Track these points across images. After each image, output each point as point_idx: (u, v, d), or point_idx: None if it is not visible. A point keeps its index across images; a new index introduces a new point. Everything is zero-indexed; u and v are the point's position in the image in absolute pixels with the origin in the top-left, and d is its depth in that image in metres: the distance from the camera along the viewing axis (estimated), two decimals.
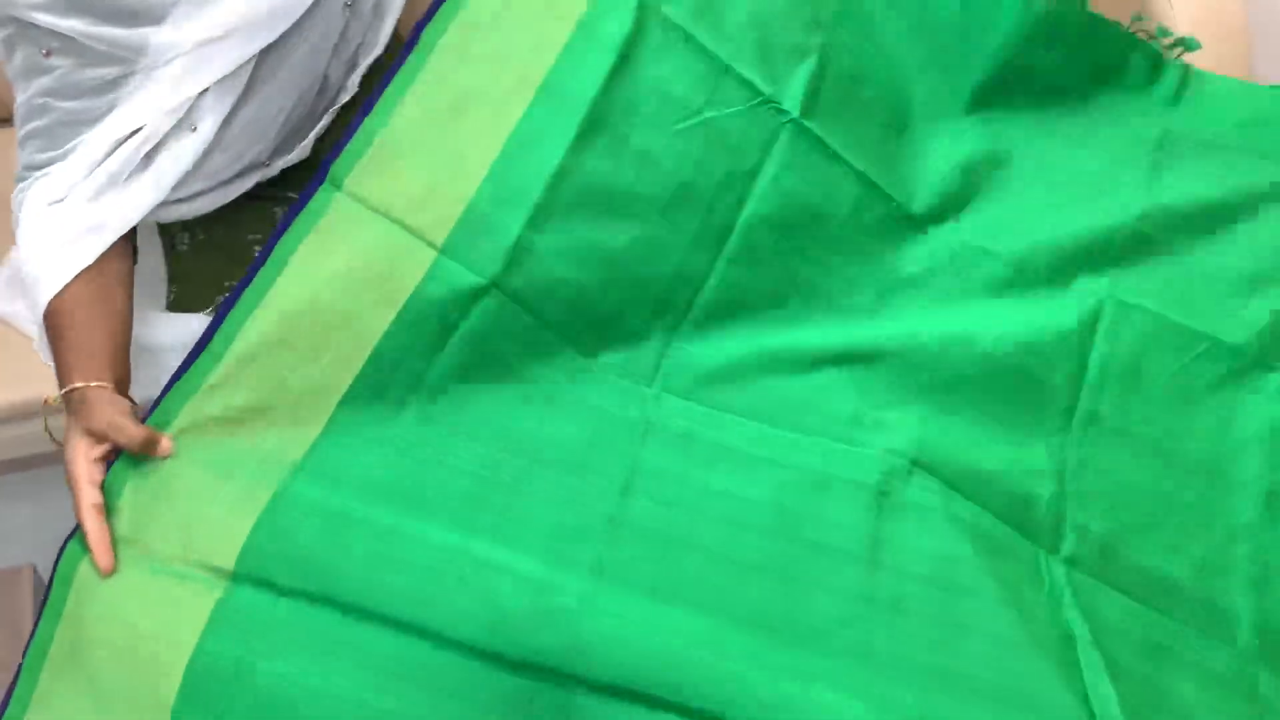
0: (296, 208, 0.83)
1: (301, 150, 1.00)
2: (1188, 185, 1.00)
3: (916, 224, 0.99)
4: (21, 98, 0.87)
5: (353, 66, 1.00)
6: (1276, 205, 1.00)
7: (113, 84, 0.86)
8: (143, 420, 0.80)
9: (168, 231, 1.02)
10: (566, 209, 0.88)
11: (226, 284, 1.00)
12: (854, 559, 0.81)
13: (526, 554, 0.78)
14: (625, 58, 0.91)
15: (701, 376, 0.91)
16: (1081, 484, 0.90)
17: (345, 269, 0.83)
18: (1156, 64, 1.05)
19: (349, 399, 0.82)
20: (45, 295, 0.84)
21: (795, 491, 0.85)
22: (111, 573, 0.74)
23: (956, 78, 1.03)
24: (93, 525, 0.75)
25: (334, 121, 1.02)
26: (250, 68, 0.91)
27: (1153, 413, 0.93)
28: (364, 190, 0.84)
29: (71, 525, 0.76)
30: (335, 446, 0.81)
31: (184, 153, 0.90)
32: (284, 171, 1.01)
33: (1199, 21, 1.12)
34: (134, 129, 0.87)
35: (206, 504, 0.77)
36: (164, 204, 0.91)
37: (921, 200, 0.99)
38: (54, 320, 0.84)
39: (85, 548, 0.75)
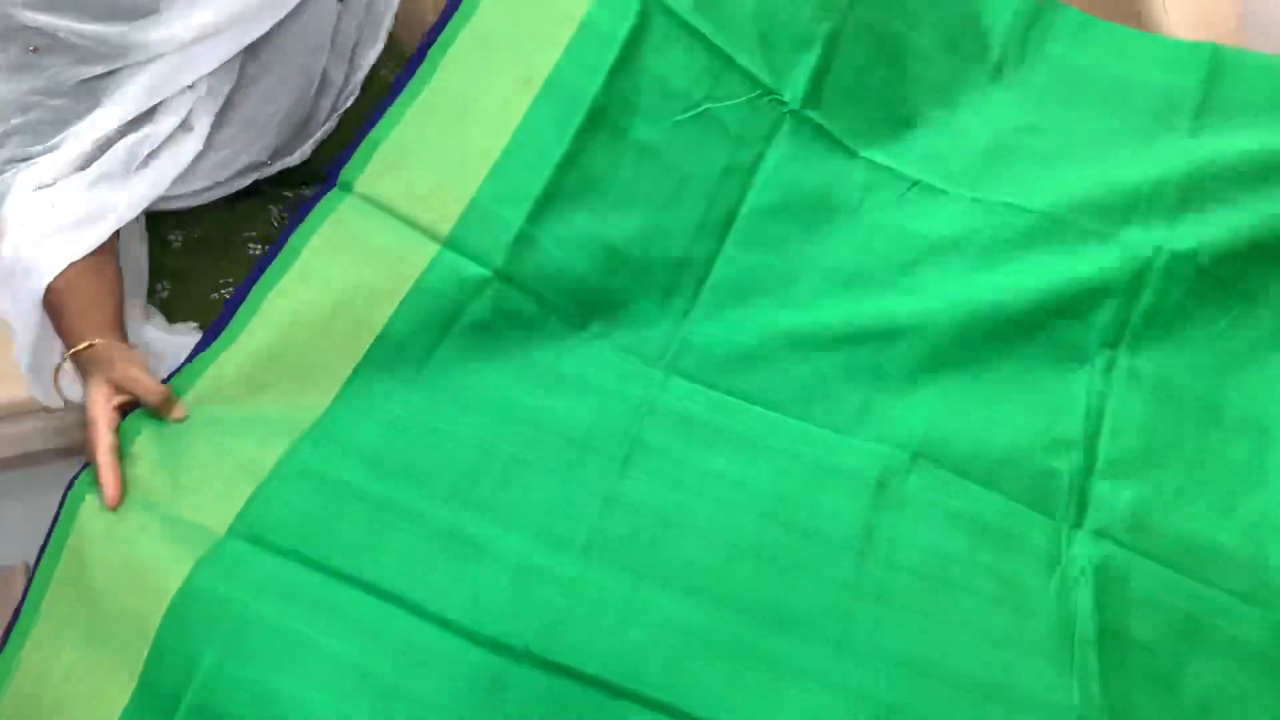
0: (307, 206, 0.87)
1: (303, 153, 1.00)
2: (1230, 147, 0.98)
3: (938, 196, 0.98)
4: (7, 94, 0.87)
5: (354, 66, 1.00)
6: None
7: (101, 80, 0.86)
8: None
9: (160, 229, 1.02)
10: (568, 202, 0.91)
11: (220, 281, 0.99)
12: (846, 549, 0.81)
13: (519, 530, 0.80)
14: (627, 53, 0.94)
15: (710, 360, 0.91)
16: (1116, 450, 0.88)
17: (354, 260, 0.86)
18: (1183, 44, 1.05)
19: (356, 375, 0.85)
20: (44, 279, 0.86)
21: (794, 480, 0.85)
22: (117, 507, 0.77)
23: (976, 55, 1.04)
24: (105, 461, 0.78)
25: (337, 125, 1.02)
26: (240, 64, 0.91)
27: (1199, 367, 0.92)
28: (372, 190, 0.88)
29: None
30: (340, 419, 0.83)
31: (182, 153, 0.90)
32: (282, 171, 1.01)
33: (1192, 23, 1.13)
34: (122, 123, 0.87)
35: (213, 462, 0.80)
36: (162, 197, 0.92)
37: (948, 169, 0.99)
38: (55, 297, 0.86)
39: (94, 482, 0.78)
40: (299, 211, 0.88)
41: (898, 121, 1.02)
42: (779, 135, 0.98)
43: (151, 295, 1.02)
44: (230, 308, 0.85)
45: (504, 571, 0.77)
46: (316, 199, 0.88)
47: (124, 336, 0.89)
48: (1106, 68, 1.04)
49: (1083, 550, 0.84)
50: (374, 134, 0.89)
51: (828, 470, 0.85)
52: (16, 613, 0.76)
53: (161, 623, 0.73)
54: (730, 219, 0.96)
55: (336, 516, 0.78)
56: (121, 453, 0.80)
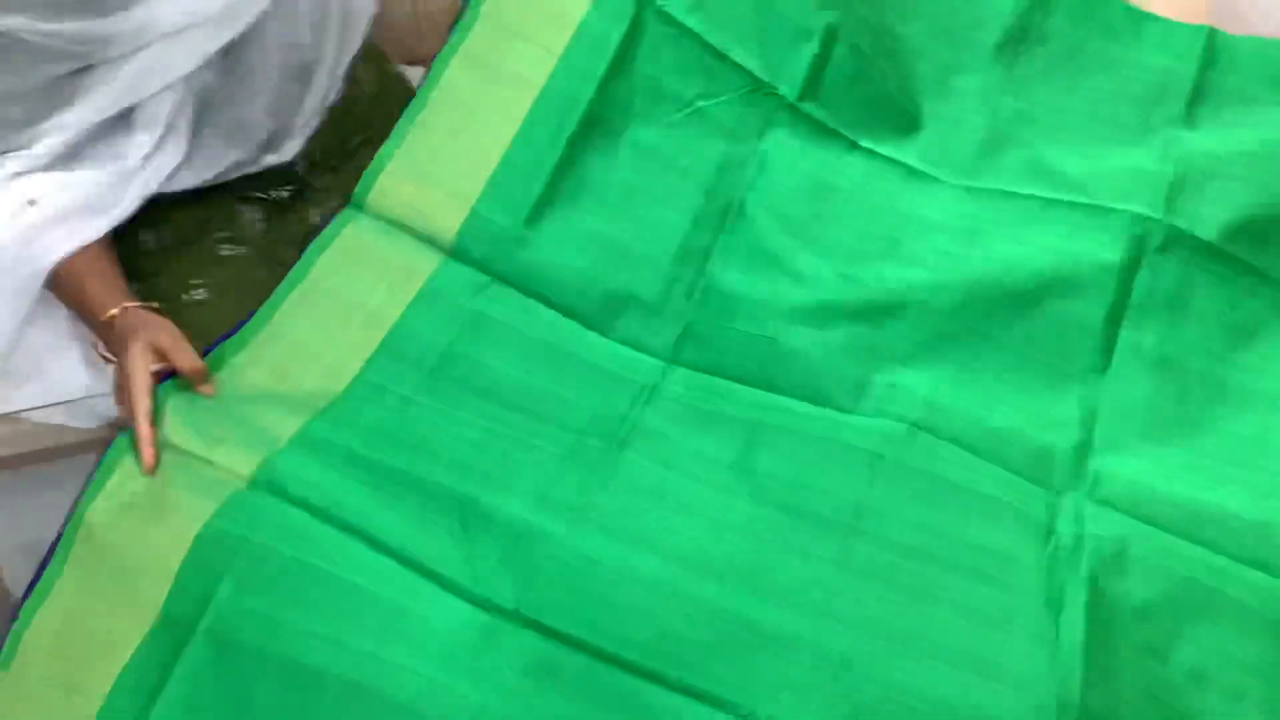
0: (320, 225, 0.93)
1: (291, 148, 1.00)
2: (1226, 129, 1.00)
3: (935, 184, 1.00)
4: None
5: (337, 62, 1.00)
6: None
7: (72, 78, 0.84)
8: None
9: (132, 230, 1.01)
10: (565, 205, 0.96)
11: (191, 282, 0.99)
12: (836, 527, 0.83)
13: (516, 499, 0.83)
14: (622, 56, 0.98)
15: (711, 346, 0.94)
16: (1117, 425, 0.89)
17: (366, 269, 0.92)
18: (1181, 27, 1.06)
19: (369, 365, 0.89)
20: (49, 264, 0.86)
21: (792, 460, 0.86)
22: (153, 471, 0.79)
23: (972, 42, 1.05)
24: (144, 428, 0.80)
25: (321, 124, 1.02)
26: (220, 62, 0.90)
27: (1204, 342, 0.93)
28: (381, 207, 0.94)
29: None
30: (353, 400, 0.87)
31: (166, 155, 0.91)
32: (258, 172, 1.01)
33: (1160, 8, 1.13)
34: (95, 123, 0.86)
35: (235, 429, 0.83)
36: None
37: (946, 160, 1.00)
38: (68, 276, 0.88)
39: (131, 445, 0.80)
40: (315, 227, 0.93)
41: (897, 111, 1.03)
42: (776, 128, 1.00)
43: None
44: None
45: (498, 537, 0.80)
46: (329, 218, 0.93)
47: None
48: (1105, 50, 1.06)
49: (1080, 521, 0.85)
50: (381, 153, 0.94)
51: (827, 448, 0.87)
52: (45, 561, 0.78)
53: (183, 562, 0.76)
54: (727, 211, 0.98)
55: (346, 479, 0.82)
56: (155, 416, 0.82)
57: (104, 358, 0.92)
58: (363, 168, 0.95)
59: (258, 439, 0.83)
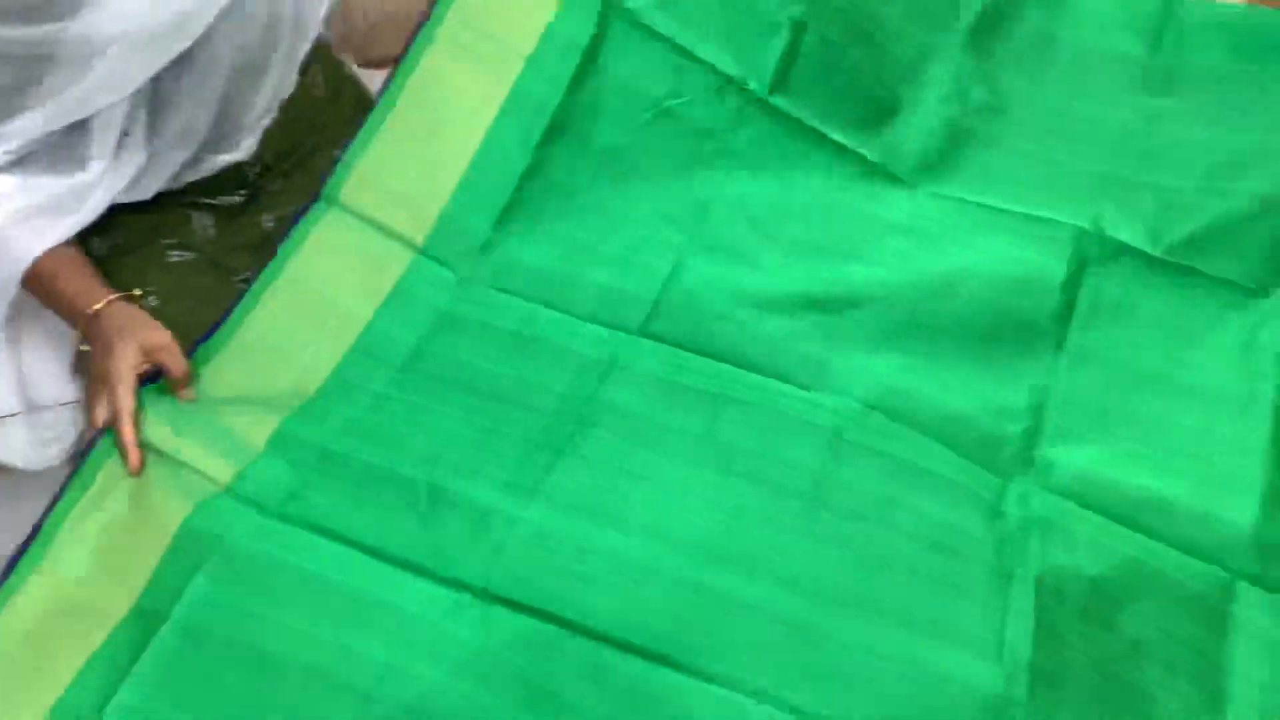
0: (294, 221, 0.93)
1: (247, 147, 0.99)
2: (1183, 128, 1.02)
3: (897, 185, 1.01)
4: None
5: (289, 61, 0.99)
6: (1272, 138, 1.00)
7: (17, 88, 0.82)
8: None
9: (82, 237, 0.99)
10: (534, 207, 0.97)
11: (137, 291, 0.97)
12: (798, 496, 0.84)
13: (484, 484, 0.84)
14: (590, 58, 0.99)
15: (680, 323, 0.94)
16: (1064, 419, 0.91)
17: (339, 266, 0.92)
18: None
19: (344, 362, 0.90)
20: (21, 268, 0.86)
21: (755, 433, 0.88)
22: (139, 473, 0.80)
23: (945, 30, 1.06)
24: (129, 430, 0.79)
25: (274, 124, 1.01)
26: (167, 67, 0.88)
27: (1148, 344, 0.94)
28: (353, 202, 0.93)
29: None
30: (328, 398, 0.88)
31: (123, 163, 0.89)
32: (209, 179, 0.99)
33: None
34: (48, 130, 0.84)
35: (215, 432, 0.83)
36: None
37: (908, 158, 1.01)
38: (39, 277, 0.86)
39: (114, 445, 0.80)
40: (289, 222, 0.93)
41: (867, 101, 1.03)
42: (745, 125, 1.00)
43: None
44: (228, 309, 0.90)
45: (465, 520, 0.82)
46: (301, 213, 0.93)
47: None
48: (1072, 37, 1.07)
49: (1027, 504, 0.87)
50: (353, 148, 0.94)
51: (789, 421, 0.88)
52: (24, 546, 0.79)
53: (160, 560, 0.78)
54: (695, 205, 0.99)
55: (318, 479, 0.83)
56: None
57: (80, 351, 0.91)
58: (317, 170, 0.94)
59: (234, 444, 0.84)
